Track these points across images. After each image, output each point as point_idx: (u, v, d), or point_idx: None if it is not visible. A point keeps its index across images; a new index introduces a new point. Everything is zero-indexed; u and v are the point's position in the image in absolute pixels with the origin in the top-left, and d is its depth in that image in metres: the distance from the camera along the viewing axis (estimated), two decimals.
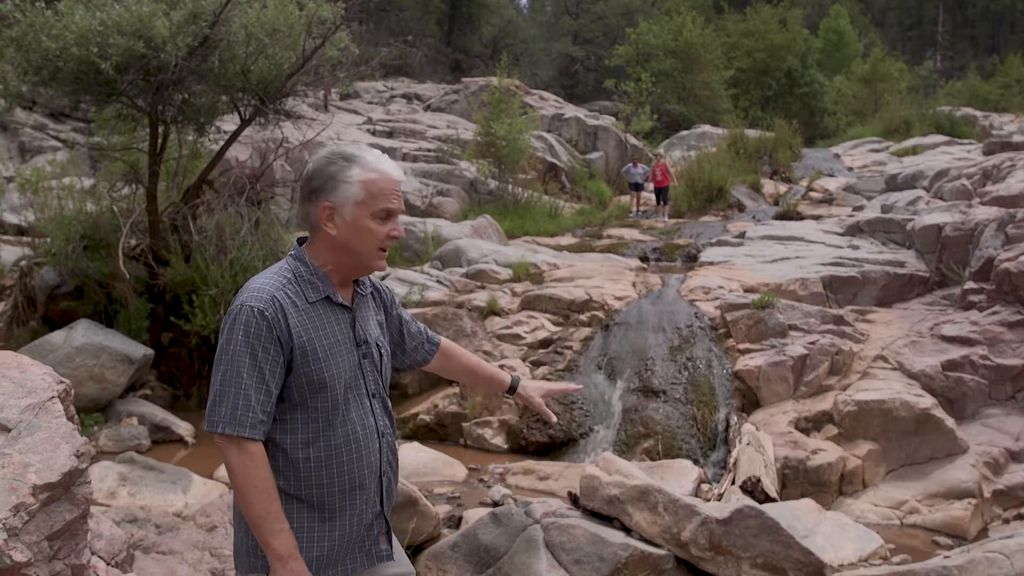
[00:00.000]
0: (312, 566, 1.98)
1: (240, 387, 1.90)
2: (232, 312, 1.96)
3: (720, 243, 12.51)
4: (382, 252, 2.09)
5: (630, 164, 18.94)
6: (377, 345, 2.17)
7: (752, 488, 5.59)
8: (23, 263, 8.71)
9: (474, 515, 5.01)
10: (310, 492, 1.99)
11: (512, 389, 2.51)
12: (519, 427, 7.28)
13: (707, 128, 26.46)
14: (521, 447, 7.16)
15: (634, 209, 18.10)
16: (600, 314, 8.82)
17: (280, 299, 1.97)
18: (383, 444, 2.12)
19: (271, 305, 1.95)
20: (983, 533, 5.73)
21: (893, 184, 15.80)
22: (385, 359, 2.20)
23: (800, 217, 14.76)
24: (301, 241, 2.14)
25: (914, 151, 21.33)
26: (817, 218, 14.30)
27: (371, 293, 2.24)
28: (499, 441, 7.26)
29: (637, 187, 18.33)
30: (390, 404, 2.23)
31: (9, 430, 2.67)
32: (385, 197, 2.05)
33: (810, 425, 6.76)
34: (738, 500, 4.84)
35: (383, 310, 2.30)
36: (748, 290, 9.10)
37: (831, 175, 20.19)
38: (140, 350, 7.54)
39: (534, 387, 2.53)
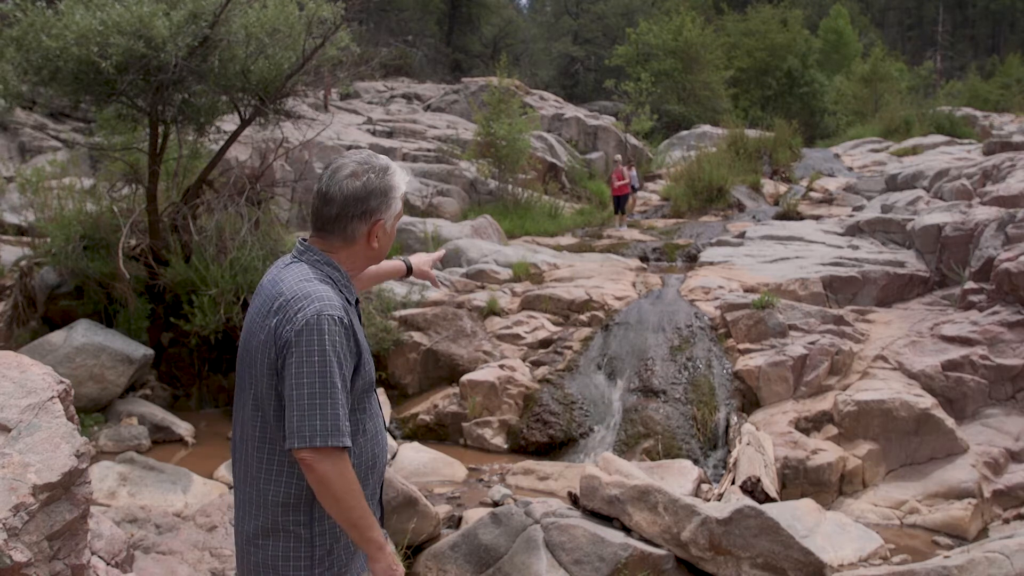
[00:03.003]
0: (344, 554, 2.05)
1: (336, 398, 1.90)
2: (310, 322, 1.90)
3: (720, 243, 12.51)
4: None
5: (624, 167, 19.08)
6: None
7: (752, 488, 5.59)
8: (23, 263, 8.71)
9: (474, 515, 5.01)
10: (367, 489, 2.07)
11: (410, 269, 2.72)
12: (519, 427, 7.28)
13: (707, 128, 26.46)
14: (521, 447, 7.16)
15: (633, 212, 18.12)
16: (600, 314, 8.82)
17: (345, 306, 1.99)
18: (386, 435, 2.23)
19: (346, 313, 1.96)
20: (983, 533, 5.73)
21: (893, 184, 15.79)
22: None
23: (800, 217, 14.76)
24: (304, 241, 2.11)
25: (914, 151, 21.33)
26: (817, 218, 14.30)
27: None
28: (499, 441, 7.26)
29: (631, 189, 18.43)
30: None
31: (9, 430, 2.67)
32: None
33: (810, 425, 6.76)
34: (738, 500, 4.84)
35: None
36: (748, 290, 9.10)
37: (831, 175, 20.19)
38: (140, 350, 7.54)
39: (421, 261, 2.76)
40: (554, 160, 21.17)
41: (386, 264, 2.65)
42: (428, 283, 2.84)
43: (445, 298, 9.47)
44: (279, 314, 1.94)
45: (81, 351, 7.19)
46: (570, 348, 8.23)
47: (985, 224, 8.68)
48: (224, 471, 6.24)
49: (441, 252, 2.98)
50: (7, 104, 8.40)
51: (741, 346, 7.85)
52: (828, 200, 16.78)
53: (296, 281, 1.98)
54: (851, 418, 6.53)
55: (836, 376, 7.31)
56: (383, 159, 2.09)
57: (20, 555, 2.41)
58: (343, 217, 2.02)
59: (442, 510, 5.22)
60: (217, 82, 7.75)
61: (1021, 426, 6.51)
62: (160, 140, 8.04)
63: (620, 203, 16.56)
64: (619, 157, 17.58)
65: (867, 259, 9.96)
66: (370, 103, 27.58)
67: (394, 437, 7.24)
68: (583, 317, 8.82)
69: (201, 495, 5.62)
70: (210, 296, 7.42)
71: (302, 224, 12.41)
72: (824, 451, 6.32)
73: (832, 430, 6.65)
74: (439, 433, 7.50)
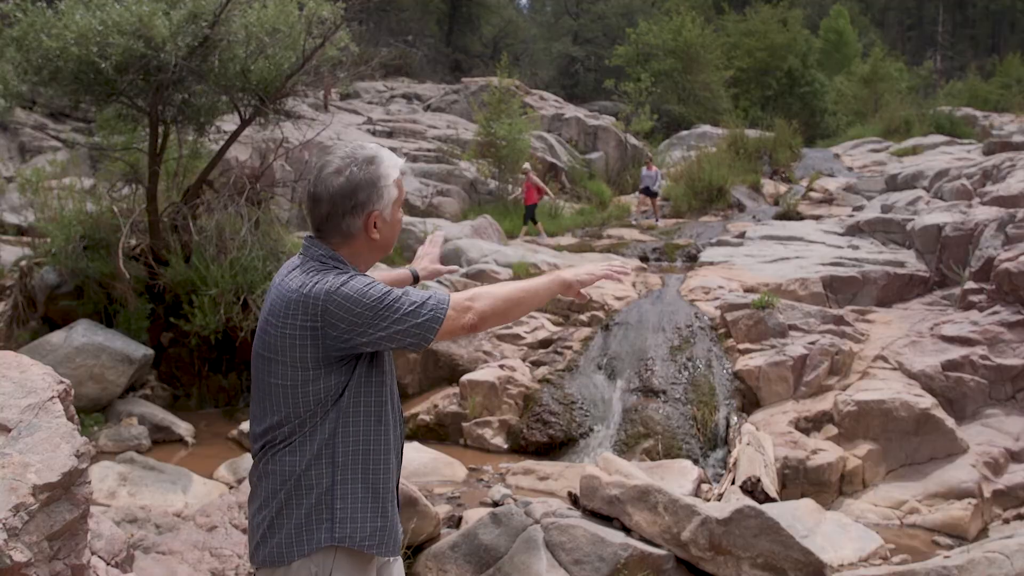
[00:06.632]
0: (388, 531, 2.04)
1: (404, 296, 1.93)
2: (330, 294, 1.91)
3: (720, 243, 12.51)
4: None
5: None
6: None
7: (752, 488, 5.59)
8: (23, 263, 8.71)
9: (474, 515, 5.01)
10: (387, 469, 2.06)
11: (416, 278, 2.68)
12: (519, 427, 7.28)
13: (707, 128, 26.43)
14: (521, 447, 7.16)
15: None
16: (600, 314, 8.82)
17: None
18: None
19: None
20: (983, 533, 5.73)
21: (893, 184, 15.79)
22: None
23: (800, 217, 14.75)
24: (309, 238, 2.09)
25: (914, 151, 21.30)
26: (817, 218, 14.29)
27: None
28: (499, 441, 7.25)
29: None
30: None
31: (9, 430, 2.67)
32: (402, 187, 2.10)
33: (810, 425, 6.76)
34: (738, 500, 4.84)
35: None
36: (748, 290, 9.10)
37: (831, 175, 20.16)
38: (140, 350, 7.54)
39: (426, 264, 2.71)
40: (554, 160, 21.16)
41: (393, 274, 2.65)
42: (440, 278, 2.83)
43: None
44: (301, 312, 1.92)
45: (81, 351, 7.19)
46: (570, 348, 8.23)
47: (985, 224, 8.68)
48: (224, 471, 6.24)
49: (438, 240, 2.83)
50: (7, 104, 8.41)
51: (741, 346, 7.85)
52: (828, 200, 16.77)
53: (306, 277, 1.97)
54: (851, 418, 6.53)
55: (836, 376, 7.31)
56: (369, 149, 2.05)
57: (20, 555, 2.41)
58: (334, 215, 2.01)
59: (442, 510, 5.22)
60: (217, 82, 7.76)
61: (1021, 426, 6.51)
62: (160, 140, 8.05)
63: (529, 213, 15.52)
64: (527, 166, 16.46)
65: (867, 259, 9.96)
66: (370, 103, 27.56)
67: None
68: (583, 317, 8.81)
69: (201, 495, 5.62)
70: (210, 296, 7.42)
71: (302, 224, 12.41)
72: (824, 451, 6.31)
73: (832, 430, 6.65)
74: (439, 433, 7.50)
